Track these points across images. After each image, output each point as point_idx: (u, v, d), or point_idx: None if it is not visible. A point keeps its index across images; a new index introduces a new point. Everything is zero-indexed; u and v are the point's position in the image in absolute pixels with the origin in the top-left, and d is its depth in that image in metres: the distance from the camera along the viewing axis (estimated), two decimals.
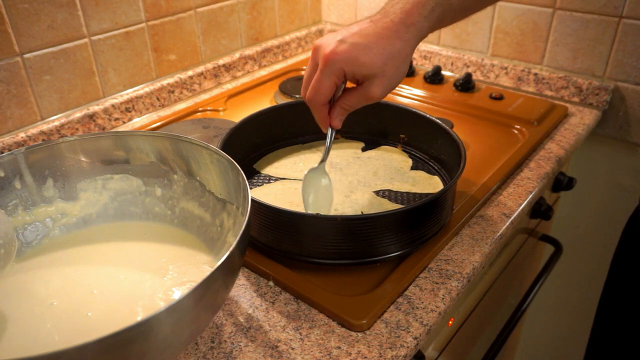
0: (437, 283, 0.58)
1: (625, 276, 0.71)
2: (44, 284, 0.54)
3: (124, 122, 0.94)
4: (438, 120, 0.72)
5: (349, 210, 0.66)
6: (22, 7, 0.76)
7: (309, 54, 1.25)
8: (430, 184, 0.72)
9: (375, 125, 0.80)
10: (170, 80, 1.00)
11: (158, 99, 0.98)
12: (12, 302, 0.52)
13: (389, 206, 0.67)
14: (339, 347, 0.51)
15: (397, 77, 0.55)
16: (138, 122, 0.95)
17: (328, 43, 0.54)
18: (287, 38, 1.21)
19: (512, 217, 0.69)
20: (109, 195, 0.63)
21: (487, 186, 0.72)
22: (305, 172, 0.63)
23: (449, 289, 0.57)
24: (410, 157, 0.77)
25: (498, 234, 0.65)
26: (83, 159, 0.61)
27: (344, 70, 0.54)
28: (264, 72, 1.14)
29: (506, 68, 1.05)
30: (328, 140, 0.61)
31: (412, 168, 0.75)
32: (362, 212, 0.65)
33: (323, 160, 0.63)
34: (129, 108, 0.94)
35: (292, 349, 0.51)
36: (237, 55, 1.11)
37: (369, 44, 0.53)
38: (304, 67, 1.13)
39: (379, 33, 0.53)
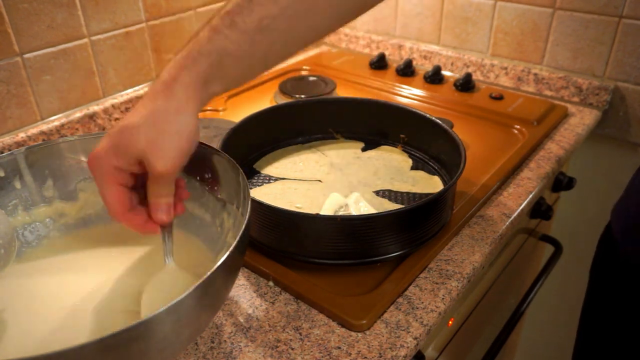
0: (437, 283, 0.58)
1: (605, 290, 0.71)
2: (43, 284, 0.54)
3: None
4: (438, 120, 0.72)
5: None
6: (22, 7, 0.76)
7: (309, 53, 1.25)
8: (430, 184, 0.72)
9: (375, 125, 0.80)
10: None
11: None
12: (12, 302, 0.52)
13: (389, 206, 0.67)
14: (339, 347, 0.51)
15: (177, 139, 0.46)
16: None
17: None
18: None
19: (512, 217, 0.69)
20: None
21: (487, 186, 0.72)
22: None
23: (449, 289, 0.57)
24: (410, 157, 0.77)
25: (498, 234, 0.65)
26: (83, 159, 0.61)
27: (115, 166, 0.46)
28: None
29: (506, 68, 1.05)
30: (165, 239, 0.51)
31: (412, 168, 0.75)
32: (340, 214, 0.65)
33: (167, 262, 0.52)
34: (129, 108, 0.94)
35: (292, 349, 0.51)
36: None
37: (130, 122, 0.45)
38: (304, 67, 1.13)
39: (142, 103, 0.47)
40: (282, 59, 0.55)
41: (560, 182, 0.93)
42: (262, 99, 1.01)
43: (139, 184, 0.50)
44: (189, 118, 0.47)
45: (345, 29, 1.26)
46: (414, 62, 1.11)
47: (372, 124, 0.80)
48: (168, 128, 0.46)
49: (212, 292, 0.43)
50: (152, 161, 0.45)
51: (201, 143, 0.57)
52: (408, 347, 0.51)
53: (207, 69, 0.48)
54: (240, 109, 0.97)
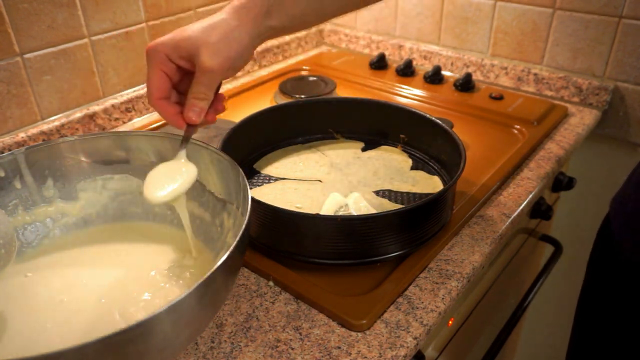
0: (437, 283, 0.58)
1: (602, 284, 0.71)
2: (44, 284, 0.54)
3: (124, 122, 0.94)
4: (438, 120, 0.72)
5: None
6: (22, 7, 0.76)
7: (309, 54, 1.25)
8: (430, 184, 0.72)
9: (375, 125, 0.80)
10: None
11: None
12: (12, 302, 0.52)
13: (389, 206, 0.67)
14: (339, 347, 0.51)
15: (228, 45, 0.52)
16: (138, 122, 0.95)
17: None
18: (287, 38, 1.21)
19: (512, 217, 0.69)
20: (109, 195, 0.63)
21: (487, 186, 0.72)
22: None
23: (449, 289, 0.57)
24: (410, 157, 0.77)
25: (498, 234, 0.65)
26: (83, 159, 0.61)
27: (168, 56, 0.52)
28: (264, 72, 1.14)
29: (506, 68, 1.05)
30: (184, 141, 0.55)
31: (412, 168, 0.75)
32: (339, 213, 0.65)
33: (182, 149, 0.55)
34: (129, 108, 0.94)
35: (292, 349, 0.51)
36: None
37: (188, 27, 0.53)
38: (304, 67, 1.13)
39: (203, 20, 0.54)
40: (339, 9, 0.61)
41: (560, 182, 0.94)
42: (262, 99, 1.01)
43: (183, 87, 0.55)
44: (244, 35, 0.53)
45: (345, 29, 1.26)
46: (414, 62, 1.11)
47: (372, 124, 0.80)
48: (223, 34, 0.52)
49: (212, 292, 0.43)
50: (202, 56, 0.51)
51: (201, 143, 0.57)
52: (408, 347, 0.51)
53: (270, 1, 0.54)
54: (240, 109, 0.97)
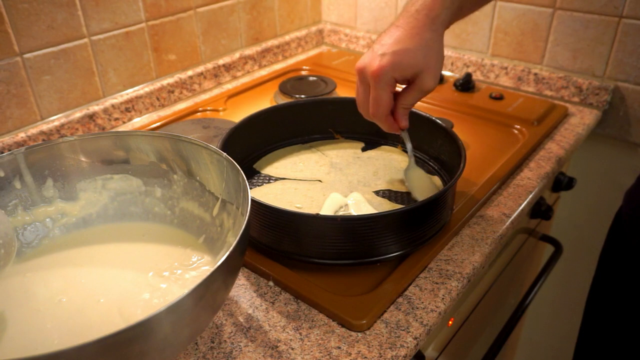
0: (437, 283, 0.58)
1: (612, 275, 0.71)
2: (43, 284, 0.54)
3: (124, 122, 0.94)
4: (438, 120, 0.72)
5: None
6: (22, 7, 0.76)
7: (309, 54, 1.25)
8: (430, 184, 0.71)
9: (375, 125, 0.79)
10: (170, 80, 1.00)
11: (158, 99, 0.98)
12: (12, 303, 0.52)
13: (389, 206, 0.67)
14: (339, 347, 0.51)
15: (440, 64, 0.60)
16: (138, 122, 0.95)
17: (371, 61, 0.59)
18: (287, 38, 1.21)
19: (512, 217, 0.69)
20: (109, 195, 0.63)
21: (487, 186, 0.72)
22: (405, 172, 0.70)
23: (449, 289, 0.57)
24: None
25: (498, 234, 0.65)
26: (83, 159, 0.61)
27: (395, 78, 0.59)
28: (264, 72, 1.14)
29: (506, 68, 1.05)
30: (407, 142, 0.68)
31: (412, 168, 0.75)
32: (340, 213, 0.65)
33: (410, 157, 0.70)
34: (129, 108, 0.94)
35: (292, 349, 0.51)
36: (237, 55, 1.11)
37: (407, 47, 0.58)
38: (304, 67, 1.13)
39: (410, 33, 0.58)
40: None
41: (560, 182, 0.93)
42: (262, 99, 1.01)
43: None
44: (442, 46, 0.60)
45: (345, 29, 1.26)
46: None
47: (372, 124, 0.79)
48: (436, 53, 0.59)
49: (212, 292, 0.43)
50: (426, 78, 0.59)
51: (201, 143, 0.57)
52: (408, 347, 0.51)
53: (454, 11, 0.60)
54: (240, 109, 0.97)
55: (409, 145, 0.68)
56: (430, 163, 0.75)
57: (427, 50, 0.58)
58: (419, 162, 0.76)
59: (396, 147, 0.79)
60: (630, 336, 0.68)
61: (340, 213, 0.65)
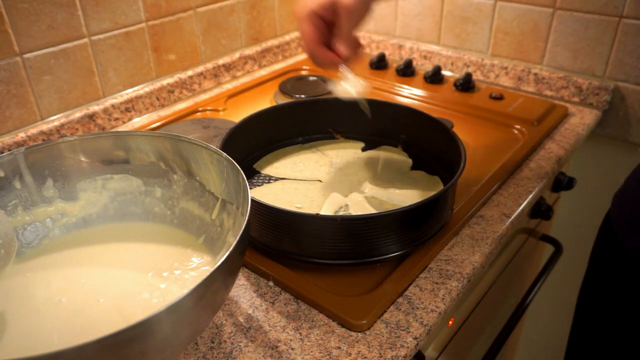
0: (437, 283, 0.58)
1: (601, 278, 0.71)
2: (43, 284, 0.54)
3: (124, 122, 0.94)
4: (438, 120, 0.72)
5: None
6: (22, 7, 0.76)
7: None
8: (430, 184, 0.72)
9: (375, 125, 0.80)
10: (170, 80, 1.00)
11: (158, 99, 0.98)
12: (12, 303, 0.52)
13: (389, 206, 0.67)
14: (339, 347, 0.51)
15: None
16: (138, 122, 0.95)
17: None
18: (287, 38, 1.21)
19: (512, 217, 0.69)
20: (109, 195, 0.62)
21: (487, 186, 0.72)
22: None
23: (449, 289, 0.57)
24: (410, 157, 0.77)
25: (498, 234, 0.65)
26: (83, 159, 0.61)
27: (315, 12, 0.60)
28: (264, 72, 1.14)
29: (506, 68, 1.05)
30: (346, 71, 0.67)
31: (412, 168, 0.75)
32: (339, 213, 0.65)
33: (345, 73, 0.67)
34: (129, 108, 0.94)
35: (292, 349, 0.51)
36: (237, 55, 1.11)
37: None
38: (304, 67, 1.13)
39: None
40: None
41: (560, 182, 0.93)
42: (262, 99, 1.01)
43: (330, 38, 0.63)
44: None
45: None
46: (414, 62, 1.11)
47: (372, 124, 0.80)
48: None
49: (212, 292, 0.43)
50: None
51: (201, 143, 0.57)
52: (408, 347, 0.51)
53: None
54: (240, 109, 0.97)
55: (350, 77, 0.67)
56: (430, 163, 0.75)
57: None
58: (420, 162, 0.76)
59: (396, 147, 0.79)
60: (620, 341, 0.68)
61: (340, 213, 0.65)
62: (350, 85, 0.68)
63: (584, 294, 0.75)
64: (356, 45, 0.64)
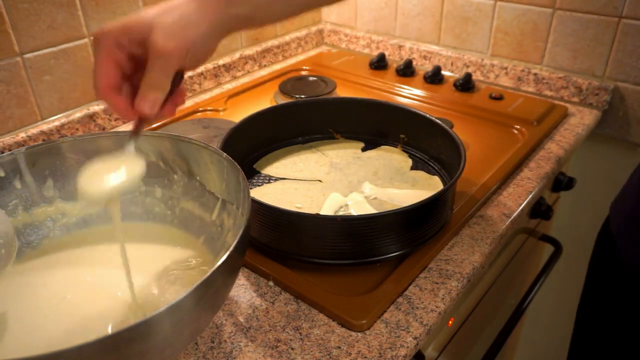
0: (437, 283, 0.58)
1: (601, 287, 0.71)
2: (44, 284, 0.54)
3: (124, 122, 0.94)
4: (438, 120, 0.72)
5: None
6: (22, 7, 0.76)
7: (309, 54, 1.25)
8: (430, 184, 0.72)
9: (375, 125, 0.80)
10: None
11: None
12: (12, 303, 0.52)
13: (389, 206, 0.67)
14: (339, 347, 0.51)
15: (183, 28, 0.46)
16: None
17: None
18: (287, 38, 1.21)
19: (512, 217, 0.69)
20: None
21: (487, 186, 0.72)
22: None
23: (449, 289, 0.57)
24: (410, 157, 0.77)
25: (498, 234, 0.65)
26: (83, 159, 0.61)
27: (117, 40, 0.46)
28: (264, 72, 1.14)
29: (506, 68, 1.05)
30: (138, 127, 0.49)
31: (412, 168, 0.75)
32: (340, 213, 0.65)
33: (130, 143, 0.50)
34: None
35: (292, 349, 0.51)
36: (237, 55, 1.11)
37: (142, 11, 0.47)
38: (304, 67, 1.13)
39: (160, 4, 0.48)
40: (307, 4, 0.57)
41: (560, 182, 0.93)
42: (262, 99, 1.01)
43: (138, 80, 0.48)
44: (202, 20, 0.47)
45: (345, 29, 1.26)
46: (414, 62, 1.11)
47: (372, 124, 0.80)
48: (179, 16, 0.46)
49: (212, 292, 0.43)
50: (155, 36, 0.45)
51: (201, 143, 0.57)
52: (408, 347, 0.51)
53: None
54: (240, 109, 0.97)
55: (131, 145, 0.49)
56: (430, 163, 0.75)
57: (163, 10, 0.47)
58: (420, 162, 0.76)
59: (396, 147, 0.79)
60: (620, 348, 0.68)
61: (340, 213, 0.65)
62: (115, 166, 0.48)
63: (584, 302, 0.75)
64: (171, 101, 0.49)
